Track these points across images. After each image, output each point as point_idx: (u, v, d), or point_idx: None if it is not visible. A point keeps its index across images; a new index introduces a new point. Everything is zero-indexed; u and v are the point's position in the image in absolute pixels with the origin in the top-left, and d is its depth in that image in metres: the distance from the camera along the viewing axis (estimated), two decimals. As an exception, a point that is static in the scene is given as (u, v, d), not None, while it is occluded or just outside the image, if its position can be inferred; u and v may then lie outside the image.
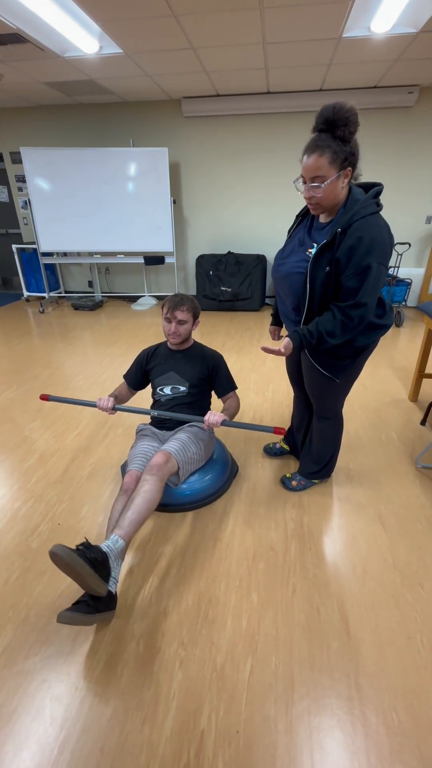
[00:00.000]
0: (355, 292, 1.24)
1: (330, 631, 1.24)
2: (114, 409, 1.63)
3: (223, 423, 1.51)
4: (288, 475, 1.90)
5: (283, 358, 3.35)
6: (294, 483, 1.86)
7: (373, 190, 1.27)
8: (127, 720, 1.04)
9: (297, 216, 1.49)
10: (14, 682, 1.12)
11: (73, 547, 1.20)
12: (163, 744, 0.99)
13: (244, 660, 1.17)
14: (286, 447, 2.12)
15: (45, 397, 1.73)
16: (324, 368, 1.48)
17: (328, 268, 1.26)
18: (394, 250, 4.75)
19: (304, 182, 1.24)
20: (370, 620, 1.28)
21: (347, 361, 1.46)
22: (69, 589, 1.38)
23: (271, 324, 1.82)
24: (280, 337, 1.78)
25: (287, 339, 1.34)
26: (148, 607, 1.33)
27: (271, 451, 2.13)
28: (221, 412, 1.63)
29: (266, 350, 1.34)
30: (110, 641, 1.22)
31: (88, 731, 1.01)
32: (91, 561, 1.17)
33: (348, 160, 1.19)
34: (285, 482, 1.88)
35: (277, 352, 1.33)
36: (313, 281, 1.30)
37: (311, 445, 1.81)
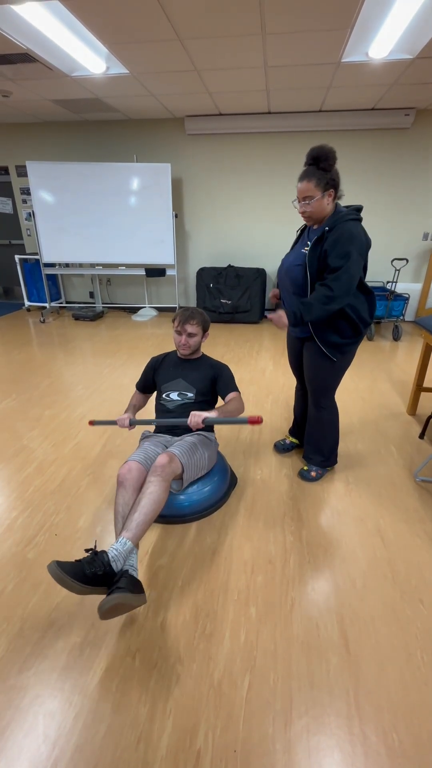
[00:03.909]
0: (336, 269, 1.56)
1: (329, 647, 1.23)
2: (131, 425, 1.77)
3: (205, 421, 1.54)
4: (305, 468, 2.04)
5: (282, 366, 3.39)
6: (313, 474, 2.01)
7: (354, 206, 1.65)
8: (121, 738, 1.01)
9: (297, 232, 1.86)
10: (7, 697, 1.09)
11: (77, 557, 1.20)
12: (158, 763, 0.96)
13: (242, 676, 1.15)
14: (295, 441, 2.27)
15: (91, 423, 1.96)
16: (326, 347, 1.73)
17: (318, 258, 1.60)
18: (392, 266, 4.84)
19: (299, 201, 1.62)
20: (370, 636, 1.26)
21: (347, 341, 1.73)
22: (65, 602, 1.36)
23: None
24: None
25: (280, 310, 1.65)
26: (144, 621, 1.31)
27: (282, 447, 2.26)
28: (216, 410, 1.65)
29: (269, 318, 1.67)
30: (105, 655, 1.20)
31: (82, 749, 0.99)
32: (89, 577, 1.19)
33: (329, 184, 1.56)
34: (304, 474, 2.02)
35: (276, 319, 1.64)
36: (312, 269, 1.63)
37: (312, 438, 2.00)
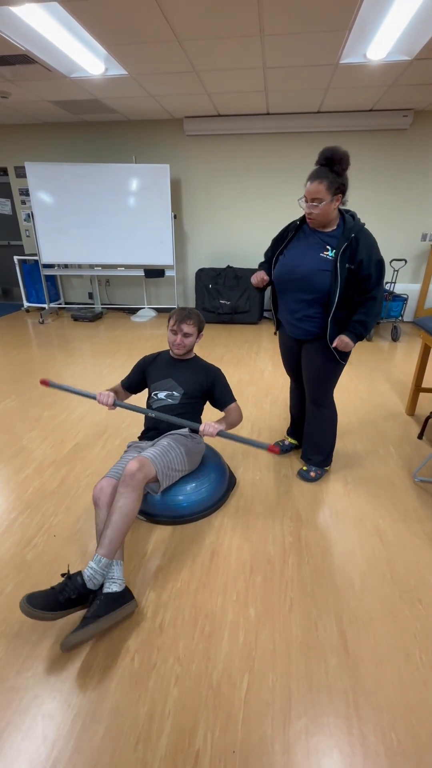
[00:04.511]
0: (377, 281, 1.64)
1: (328, 647, 1.23)
2: (114, 405, 1.66)
3: (219, 434, 1.55)
4: (305, 468, 2.04)
5: (282, 367, 3.40)
6: (313, 474, 2.01)
7: (352, 212, 1.69)
8: (120, 739, 1.01)
9: (287, 230, 1.78)
10: (5, 699, 1.09)
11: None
12: (157, 764, 0.96)
13: (240, 676, 1.15)
14: (294, 441, 2.27)
15: (45, 382, 1.72)
16: (336, 350, 1.75)
17: (348, 264, 1.61)
18: (391, 266, 4.85)
19: (306, 201, 1.58)
20: (369, 636, 1.26)
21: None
22: (63, 603, 1.36)
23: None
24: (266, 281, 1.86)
25: (344, 336, 1.68)
26: (143, 622, 1.31)
27: (280, 449, 2.24)
28: (220, 422, 1.64)
29: (335, 345, 1.70)
30: (104, 656, 1.20)
31: (80, 750, 0.99)
32: (62, 603, 1.21)
33: (339, 189, 1.55)
34: (303, 475, 2.02)
35: (342, 346, 1.68)
36: (343, 276, 1.62)
37: (312, 437, 2.00)
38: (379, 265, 1.63)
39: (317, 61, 2.91)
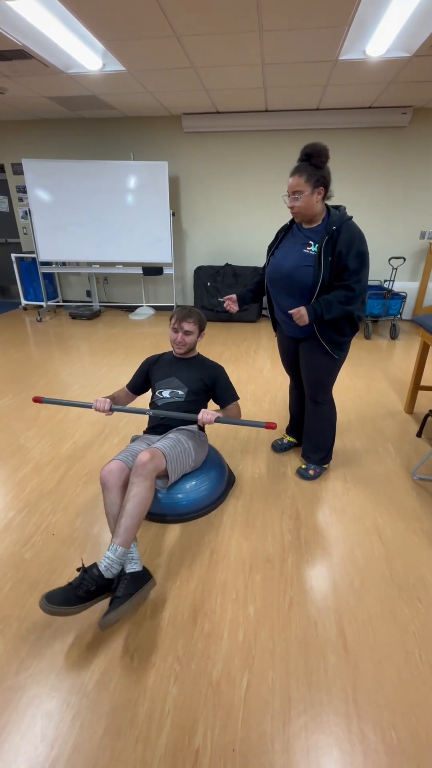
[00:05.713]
0: (357, 271, 1.59)
1: (327, 646, 1.23)
2: (111, 410, 1.66)
3: (217, 420, 1.58)
4: (303, 466, 2.05)
5: (280, 365, 3.39)
6: (311, 472, 2.02)
7: (341, 206, 1.69)
8: (120, 738, 1.01)
9: (279, 232, 1.80)
10: (4, 698, 1.09)
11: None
12: (156, 763, 0.96)
13: (240, 675, 1.15)
14: (293, 440, 2.27)
15: (38, 400, 1.73)
16: (329, 345, 1.74)
17: (330, 257, 1.59)
18: (389, 264, 4.85)
19: (289, 195, 1.61)
20: (368, 635, 1.26)
21: (346, 339, 1.75)
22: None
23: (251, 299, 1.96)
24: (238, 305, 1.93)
25: (302, 308, 1.60)
26: (142, 620, 1.31)
27: (279, 447, 2.26)
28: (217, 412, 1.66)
29: (293, 313, 1.62)
30: (103, 655, 1.20)
31: (80, 750, 0.98)
32: (83, 597, 1.21)
33: (320, 181, 1.56)
34: (302, 473, 2.03)
35: (298, 317, 1.60)
36: (326, 269, 1.60)
37: (311, 435, 2.01)
38: (360, 257, 1.57)
39: (316, 57, 2.90)
